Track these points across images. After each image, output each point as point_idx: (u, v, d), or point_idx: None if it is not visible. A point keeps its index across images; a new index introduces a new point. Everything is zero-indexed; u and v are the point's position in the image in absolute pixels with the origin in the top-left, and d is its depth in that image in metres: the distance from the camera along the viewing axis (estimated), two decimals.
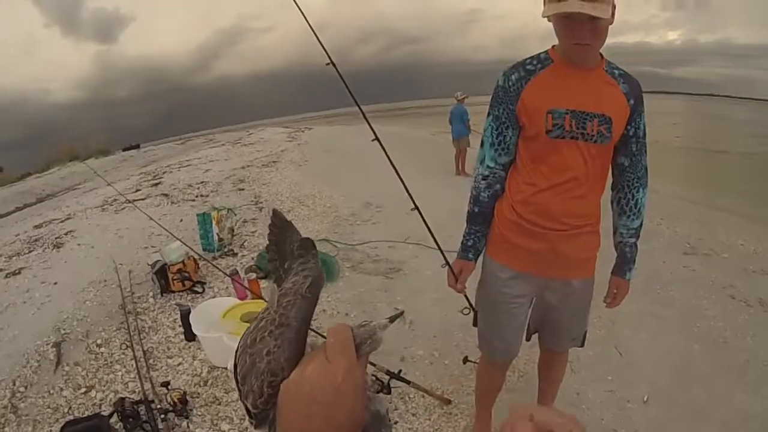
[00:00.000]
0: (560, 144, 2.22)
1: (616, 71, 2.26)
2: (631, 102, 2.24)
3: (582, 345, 2.77)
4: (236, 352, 0.85)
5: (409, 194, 3.05)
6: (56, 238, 7.47)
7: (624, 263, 2.50)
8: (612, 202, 2.50)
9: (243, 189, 9.68)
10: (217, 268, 4.93)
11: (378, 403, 0.81)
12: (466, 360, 3.08)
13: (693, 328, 4.44)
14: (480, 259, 2.61)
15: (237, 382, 0.85)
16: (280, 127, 23.93)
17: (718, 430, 3.20)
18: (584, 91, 2.20)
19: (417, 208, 3.03)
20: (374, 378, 3.41)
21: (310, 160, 13.04)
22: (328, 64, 2.92)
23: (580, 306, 2.58)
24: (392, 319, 0.84)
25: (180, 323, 4.23)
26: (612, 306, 2.58)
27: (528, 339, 2.80)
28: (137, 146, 29.12)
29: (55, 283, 5.58)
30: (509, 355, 2.71)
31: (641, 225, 2.48)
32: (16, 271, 6.19)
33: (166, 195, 9.69)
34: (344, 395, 0.66)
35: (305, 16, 2.87)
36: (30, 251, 7.07)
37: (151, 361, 3.91)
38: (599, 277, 2.55)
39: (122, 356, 4.02)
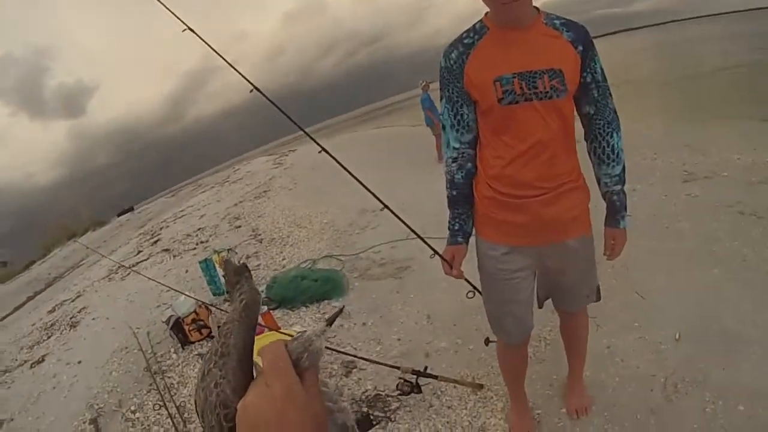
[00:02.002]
0: (515, 109, 2.16)
1: (557, 21, 2.19)
2: (580, 48, 2.17)
3: (598, 299, 2.71)
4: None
5: (374, 195, 2.99)
6: (71, 318, 7.55)
7: (614, 212, 2.43)
8: (589, 153, 2.43)
9: (240, 226, 9.71)
10: (222, 310, 4.97)
11: (344, 416, 0.78)
12: (488, 341, 3.02)
13: (709, 254, 4.35)
14: (473, 241, 2.56)
15: (199, 418, 0.82)
16: (264, 156, 24.05)
17: (758, 350, 3.12)
18: (527, 51, 2.14)
19: (386, 207, 2.98)
20: (402, 380, 3.36)
21: (299, 182, 13.08)
22: (252, 90, 2.86)
23: (584, 263, 2.51)
24: (330, 321, 0.80)
25: None
26: (612, 258, 2.51)
27: (540, 306, 2.74)
28: (131, 209, 29.29)
29: (79, 362, 5.64)
30: (523, 333, 2.64)
31: (624, 170, 2.39)
32: (40, 360, 6.27)
33: (167, 250, 9.77)
34: (287, 417, 0.63)
35: (211, 46, 2.82)
36: (49, 337, 7.15)
37: (186, 415, 3.91)
38: (600, 227, 2.50)
39: (158, 417, 4.04)
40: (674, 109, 11.95)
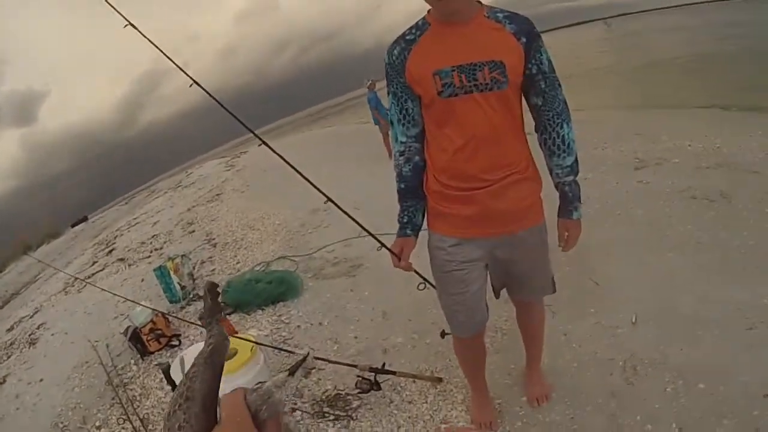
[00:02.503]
0: (455, 102, 2.15)
1: (500, 14, 2.18)
2: (523, 40, 2.15)
3: (554, 291, 2.71)
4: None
5: (317, 189, 2.96)
6: (30, 336, 7.40)
7: (567, 203, 2.40)
8: (540, 145, 2.40)
9: (194, 231, 9.62)
10: (179, 318, 4.90)
11: None
12: (443, 334, 3.01)
13: (663, 238, 4.40)
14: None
15: None
16: (216, 159, 23.90)
17: (717, 330, 3.15)
18: (467, 44, 2.13)
19: (330, 200, 2.95)
20: (360, 378, 3.35)
21: (252, 184, 13.04)
22: (191, 85, 2.81)
23: (536, 254, 2.50)
24: (292, 371, 0.78)
25: (167, 382, 4.13)
26: (567, 249, 2.49)
27: (497, 297, 2.75)
28: (85, 219, 28.85)
29: (41, 380, 5.52)
30: (476, 325, 2.62)
31: (576, 161, 2.37)
32: (1, 381, 6.12)
33: (122, 259, 9.65)
34: None
35: (152, 42, 2.77)
36: (9, 356, 6.99)
37: (150, 426, 3.85)
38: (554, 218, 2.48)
39: (122, 431, 3.96)
40: (626, 99, 12.11)
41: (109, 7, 2.70)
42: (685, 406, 2.67)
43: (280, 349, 4.06)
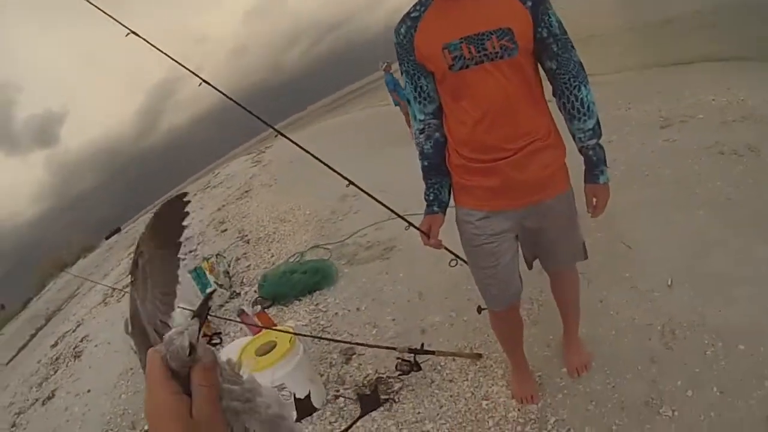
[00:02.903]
0: (467, 74, 2.15)
1: None
2: (528, 4, 2.12)
3: (585, 257, 2.69)
4: None
5: (338, 173, 2.92)
6: (74, 349, 7.55)
7: (592, 167, 2.36)
8: (559, 109, 2.37)
9: (226, 230, 9.67)
10: (218, 317, 4.95)
11: (256, 417, 0.74)
12: (480, 309, 3.01)
13: (692, 197, 4.33)
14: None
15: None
16: (242, 156, 23.90)
17: (751, 288, 3.10)
18: (472, 14, 2.12)
19: (351, 182, 2.94)
20: (400, 360, 3.38)
21: (279, 177, 13.02)
22: (200, 84, 2.82)
23: (565, 221, 2.48)
24: (197, 313, 0.76)
25: None
26: (596, 215, 2.46)
27: (530, 268, 2.73)
28: (118, 230, 29.07)
29: (88, 391, 5.65)
30: (510, 298, 2.62)
31: (598, 123, 2.32)
32: (50, 395, 6.28)
33: None
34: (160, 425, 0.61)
35: (156, 47, 2.77)
36: (56, 371, 7.15)
37: None
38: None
39: None
40: (644, 57, 11.82)
41: (112, 17, 2.71)
42: (725, 369, 2.65)
43: (319, 338, 4.10)
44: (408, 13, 2.26)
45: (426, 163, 2.46)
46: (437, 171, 2.46)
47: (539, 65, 2.30)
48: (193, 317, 0.72)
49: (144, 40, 2.64)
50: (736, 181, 4.34)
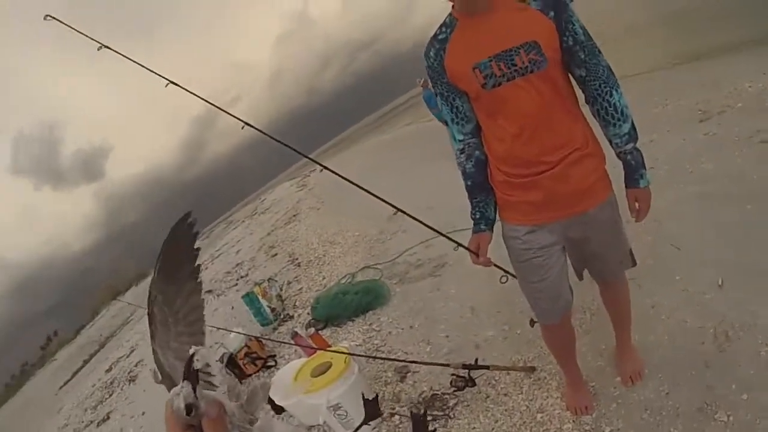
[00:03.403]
0: (500, 92, 2.17)
1: None
2: (551, 14, 2.13)
3: (633, 264, 2.67)
4: None
5: (384, 201, 2.99)
6: (129, 373, 7.73)
7: (632, 172, 2.34)
8: (594, 117, 2.36)
9: (276, 254, 9.79)
10: (272, 340, 4.99)
11: None
12: (532, 322, 3.02)
13: (739, 190, 4.24)
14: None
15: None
16: (287, 182, 24.11)
17: None
18: (498, 31, 2.14)
19: (399, 210, 2.96)
20: (455, 376, 3.41)
21: (326, 200, 13.10)
22: (243, 127, 2.89)
23: (610, 230, 2.47)
24: (185, 376, 0.82)
25: (266, 402, 4.25)
26: (640, 219, 2.43)
27: (580, 278, 2.72)
28: None
29: (143, 413, 5.76)
30: (561, 310, 2.62)
31: (633, 127, 2.30)
32: (105, 418, 6.44)
33: (210, 291, 9.90)
34: None
35: (197, 95, 2.86)
36: (111, 395, 7.32)
37: None
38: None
39: None
40: (672, 49, 11.63)
41: (152, 71, 2.80)
42: None
43: (374, 357, 4.15)
44: (435, 36, 2.29)
45: (469, 183, 2.49)
46: (481, 189, 2.48)
47: (569, 74, 2.30)
48: (183, 380, 0.79)
49: (184, 89, 2.73)
50: None
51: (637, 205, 2.38)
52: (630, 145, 2.30)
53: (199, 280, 1.06)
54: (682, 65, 9.65)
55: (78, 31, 2.81)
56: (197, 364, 0.88)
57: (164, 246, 1.12)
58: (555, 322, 2.67)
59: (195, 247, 1.11)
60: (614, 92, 2.24)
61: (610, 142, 2.35)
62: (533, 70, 2.12)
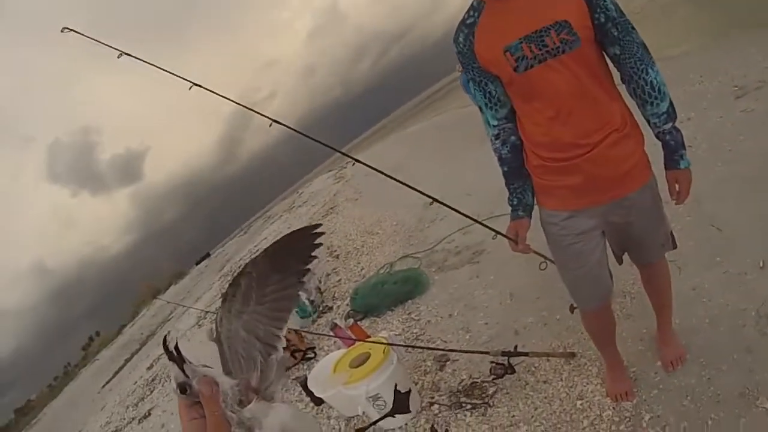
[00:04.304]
0: (533, 74, 2.14)
1: None
2: None
3: (674, 246, 2.63)
4: None
5: (419, 191, 3.04)
6: (169, 370, 7.81)
7: (671, 152, 2.30)
8: (630, 96, 2.31)
9: None
10: (312, 332, 5.04)
11: None
12: (572, 308, 3.00)
13: None
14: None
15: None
16: (324, 174, 24.15)
17: None
18: (527, 12, 2.11)
19: (435, 200, 2.97)
20: (494, 364, 3.40)
21: (363, 191, 13.11)
22: (270, 125, 2.91)
23: (651, 212, 2.43)
24: (169, 357, 0.87)
25: (305, 394, 4.27)
26: (680, 202, 2.39)
27: (620, 262, 2.71)
28: (208, 255, 30.01)
29: None
30: (602, 296, 2.60)
31: (671, 105, 2.25)
32: (146, 414, 6.55)
33: None
34: None
35: (222, 95, 2.89)
36: (151, 391, 7.44)
37: None
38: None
39: None
40: (705, 25, 11.34)
41: (175, 74, 2.84)
42: None
43: (413, 347, 4.16)
44: (463, 21, 2.27)
45: (506, 168, 2.47)
46: (518, 175, 2.47)
47: (604, 53, 2.25)
48: (171, 358, 0.84)
49: (209, 90, 2.75)
50: None
51: (677, 186, 2.34)
52: (669, 125, 2.26)
53: (302, 281, 1.09)
54: (716, 39, 9.41)
55: (97, 41, 2.90)
56: (170, 346, 0.91)
57: (285, 237, 1.14)
58: (595, 308, 2.66)
59: (312, 254, 1.11)
60: (650, 70, 2.20)
61: (648, 121, 2.31)
62: (565, 50, 2.09)
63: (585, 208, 2.34)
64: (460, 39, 2.27)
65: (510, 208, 2.55)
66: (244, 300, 1.06)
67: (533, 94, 2.21)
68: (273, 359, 1.05)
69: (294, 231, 1.15)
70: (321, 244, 1.16)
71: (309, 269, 1.10)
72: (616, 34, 2.15)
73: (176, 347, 0.93)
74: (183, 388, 0.89)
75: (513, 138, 2.41)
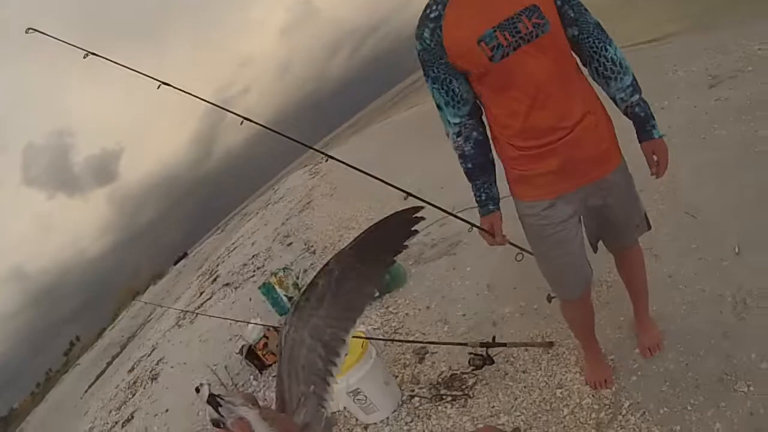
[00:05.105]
0: (509, 62, 2.10)
1: None
2: None
3: (649, 227, 2.63)
4: None
5: (395, 186, 3.01)
6: (151, 372, 7.80)
7: (644, 123, 2.28)
8: (593, 77, 2.31)
9: (291, 243, 9.82)
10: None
11: None
12: (549, 298, 3.00)
13: (753, 155, 4.14)
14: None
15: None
16: (299, 170, 24.10)
17: None
18: (495, 1, 2.09)
19: (409, 194, 2.94)
20: (473, 355, 3.37)
21: (339, 186, 13.01)
22: (242, 123, 2.87)
23: (627, 192, 2.44)
24: (208, 401, 0.89)
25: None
26: (661, 174, 2.36)
27: (595, 250, 2.69)
28: (185, 255, 30.00)
29: (167, 411, 5.82)
30: (584, 284, 2.59)
31: (634, 78, 2.25)
32: (129, 417, 6.50)
33: (228, 284, 9.96)
34: None
35: (192, 93, 2.87)
36: (134, 394, 7.38)
37: None
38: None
39: None
40: (682, 15, 11.42)
41: (143, 73, 2.81)
42: None
43: (391, 340, 4.16)
44: (426, 16, 2.19)
45: (470, 165, 2.42)
46: (483, 170, 2.43)
47: None
48: (207, 401, 0.85)
49: (177, 89, 2.72)
50: None
51: (655, 158, 2.32)
52: (636, 96, 2.25)
53: (386, 275, 1.08)
54: (693, 30, 9.48)
55: (62, 41, 2.86)
56: (203, 395, 0.95)
57: (377, 225, 1.16)
58: (578, 296, 2.63)
59: (405, 243, 1.14)
60: (608, 47, 2.21)
61: (614, 99, 2.30)
62: (538, 35, 2.07)
63: (564, 194, 2.32)
64: (425, 34, 2.19)
65: (478, 205, 2.52)
66: (318, 302, 1.08)
67: (509, 83, 2.17)
68: (323, 413, 1.09)
69: (389, 216, 1.16)
70: (417, 232, 1.17)
71: (395, 261, 1.15)
72: (573, 15, 2.17)
73: (211, 393, 0.95)
74: (216, 424, 0.93)
75: (475, 134, 2.37)
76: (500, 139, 2.35)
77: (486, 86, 2.24)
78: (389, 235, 1.15)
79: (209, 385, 0.96)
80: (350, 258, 1.11)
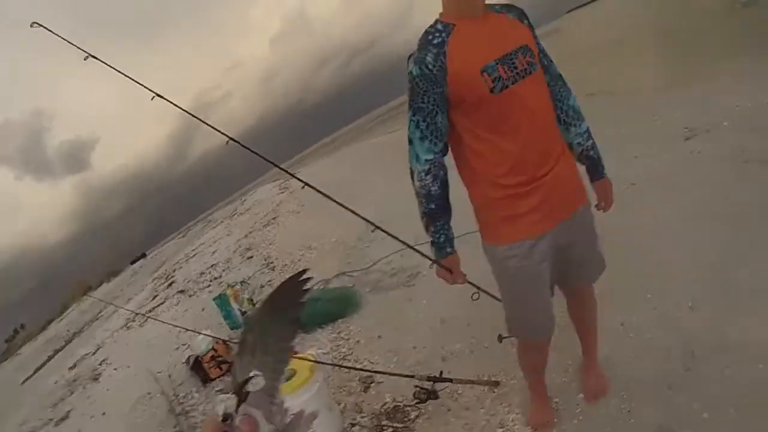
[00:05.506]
0: (507, 95, 2.13)
1: (497, 6, 2.24)
2: (526, 22, 2.27)
3: (604, 266, 2.65)
4: None
5: (361, 217, 3.05)
6: (92, 371, 7.67)
7: (597, 164, 2.50)
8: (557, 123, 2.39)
9: (252, 257, 9.73)
10: (237, 343, 4.96)
11: None
12: (501, 338, 2.95)
13: (718, 210, 4.19)
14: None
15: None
16: (269, 183, 24.03)
17: None
18: (496, 36, 2.17)
19: (378, 227, 3.00)
20: (418, 388, 3.30)
21: (306, 204, 12.84)
22: (227, 142, 2.89)
23: (591, 230, 2.50)
24: (235, 391, 0.93)
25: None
26: (608, 207, 2.56)
27: (552, 294, 2.60)
28: (143, 255, 29.75)
29: (104, 414, 5.72)
30: (552, 325, 2.59)
31: (587, 126, 2.45)
32: (64, 417, 6.38)
33: (182, 291, 9.85)
34: None
35: (183, 108, 2.90)
36: (72, 393, 7.25)
37: None
38: None
39: None
40: (663, 67, 11.66)
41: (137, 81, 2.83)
42: (744, 390, 2.57)
43: (339, 366, 4.10)
44: (429, 41, 2.16)
45: (433, 206, 2.35)
46: (444, 211, 2.39)
47: None
48: (232, 393, 0.86)
49: (170, 102, 2.74)
50: (762, 190, 4.20)
51: (606, 194, 2.55)
52: (590, 141, 2.45)
53: (296, 331, 1.27)
54: (673, 84, 9.65)
55: (65, 40, 2.90)
56: (251, 387, 1.06)
57: (277, 289, 1.31)
58: (547, 339, 2.63)
59: (302, 300, 1.31)
60: (570, 95, 2.42)
61: (571, 144, 2.42)
62: (531, 72, 2.18)
63: (544, 233, 2.29)
64: (428, 59, 2.13)
65: (435, 247, 2.48)
66: (252, 353, 1.22)
67: (502, 117, 2.16)
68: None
69: (285, 281, 1.31)
70: (310, 289, 1.31)
71: (299, 318, 1.32)
72: (546, 62, 2.35)
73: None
74: (225, 418, 1.00)
75: (442, 173, 2.33)
76: (481, 180, 2.30)
77: (475, 120, 2.22)
78: (287, 296, 1.30)
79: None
80: (263, 315, 1.28)
